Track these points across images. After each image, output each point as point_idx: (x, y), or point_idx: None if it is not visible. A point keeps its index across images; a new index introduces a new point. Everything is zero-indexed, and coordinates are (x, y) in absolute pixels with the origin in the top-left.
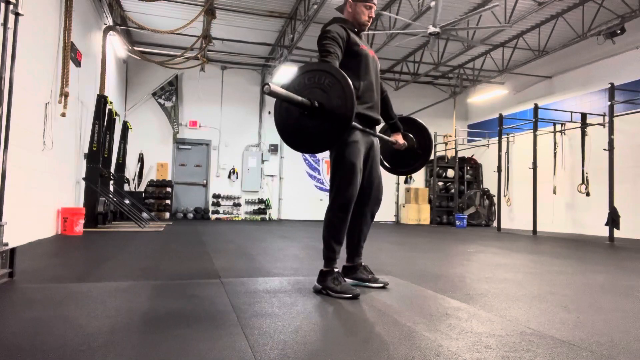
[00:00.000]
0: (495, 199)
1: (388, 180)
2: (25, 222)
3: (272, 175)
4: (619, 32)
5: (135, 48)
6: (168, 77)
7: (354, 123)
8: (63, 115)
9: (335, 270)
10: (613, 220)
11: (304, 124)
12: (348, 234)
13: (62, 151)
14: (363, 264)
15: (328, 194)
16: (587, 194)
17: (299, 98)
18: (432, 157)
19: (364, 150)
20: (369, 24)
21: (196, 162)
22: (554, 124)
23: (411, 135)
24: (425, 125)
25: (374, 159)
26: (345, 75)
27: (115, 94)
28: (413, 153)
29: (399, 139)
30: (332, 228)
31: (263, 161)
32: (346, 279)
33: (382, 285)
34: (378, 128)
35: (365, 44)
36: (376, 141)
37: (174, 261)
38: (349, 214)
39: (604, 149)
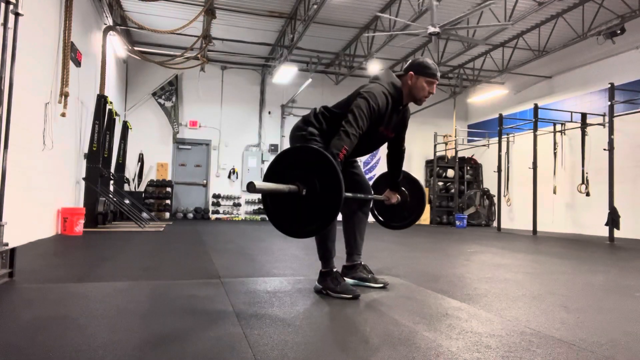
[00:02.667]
0: (495, 199)
1: None
2: (25, 222)
3: None
4: (619, 32)
5: (135, 48)
6: (168, 77)
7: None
8: (63, 115)
9: (334, 270)
10: (613, 220)
11: (295, 211)
12: (345, 234)
13: (62, 151)
14: (363, 263)
15: None
16: (587, 194)
17: (286, 189)
18: (432, 157)
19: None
20: (426, 100)
21: (196, 162)
22: (554, 124)
23: (404, 190)
24: (418, 181)
25: (357, 168)
26: (336, 166)
27: (115, 94)
28: (406, 208)
29: (392, 196)
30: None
31: (263, 161)
32: (346, 279)
33: (382, 285)
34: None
35: (396, 116)
36: (358, 166)
37: (174, 261)
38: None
39: (604, 149)
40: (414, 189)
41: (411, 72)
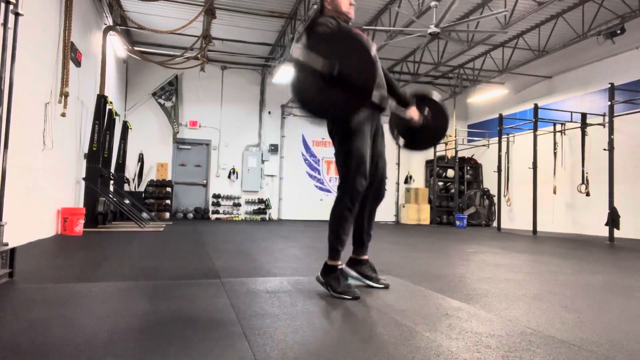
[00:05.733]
0: (495, 199)
1: (388, 180)
2: (25, 222)
3: (272, 175)
4: (619, 32)
5: (135, 48)
6: (168, 77)
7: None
8: (63, 115)
9: (339, 267)
10: (613, 220)
11: (324, 92)
12: (355, 225)
13: (62, 151)
14: (369, 261)
15: (336, 186)
16: (587, 194)
17: (319, 65)
18: (432, 157)
19: (370, 136)
20: (352, 12)
21: (196, 162)
22: (554, 124)
23: (426, 108)
24: (439, 102)
25: (379, 148)
26: (365, 42)
27: (115, 94)
28: (429, 127)
29: (413, 113)
30: (342, 220)
31: (263, 161)
32: (350, 271)
33: (383, 286)
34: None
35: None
36: (381, 126)
37: (174, 261)
38: (357, 205)
39: (604, 149)
40: (435, 107)
41: None
